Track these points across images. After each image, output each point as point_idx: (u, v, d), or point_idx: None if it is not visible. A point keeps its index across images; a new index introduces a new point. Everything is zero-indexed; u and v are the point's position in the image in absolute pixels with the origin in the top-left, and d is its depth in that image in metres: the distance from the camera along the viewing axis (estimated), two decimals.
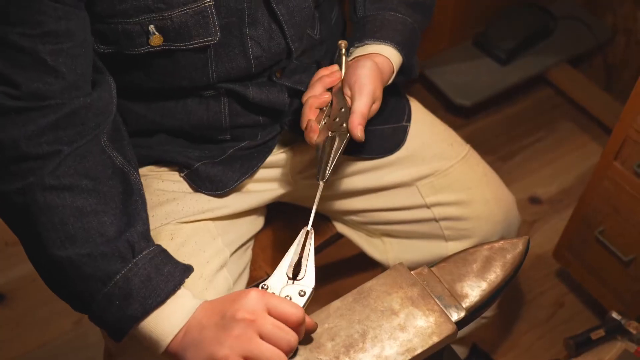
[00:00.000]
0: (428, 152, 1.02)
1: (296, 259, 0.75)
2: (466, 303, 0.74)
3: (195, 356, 0.68)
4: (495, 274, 0.77)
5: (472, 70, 1.88)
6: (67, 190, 0.72)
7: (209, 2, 0.79)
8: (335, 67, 0.91)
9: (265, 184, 1.00)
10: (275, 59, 0.89)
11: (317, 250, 0.81)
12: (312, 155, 1.00)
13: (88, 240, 0.71)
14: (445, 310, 0.73)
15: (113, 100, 0.78)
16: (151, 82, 0.87)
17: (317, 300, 0.74)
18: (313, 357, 0.70)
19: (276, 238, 1.10)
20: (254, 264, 1.04)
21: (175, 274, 0.73)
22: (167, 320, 0.71)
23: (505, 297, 1.47)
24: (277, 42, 0.87)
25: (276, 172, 1.00)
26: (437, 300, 0.74)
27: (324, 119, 0.86)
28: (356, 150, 0.97)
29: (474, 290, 0.75)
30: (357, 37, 0.93)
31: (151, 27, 0.79)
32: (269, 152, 0.97)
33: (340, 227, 1.12)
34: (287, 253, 0.76)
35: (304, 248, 0.76)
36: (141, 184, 0.79)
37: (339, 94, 0.87)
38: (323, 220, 1.12)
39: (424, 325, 0.72)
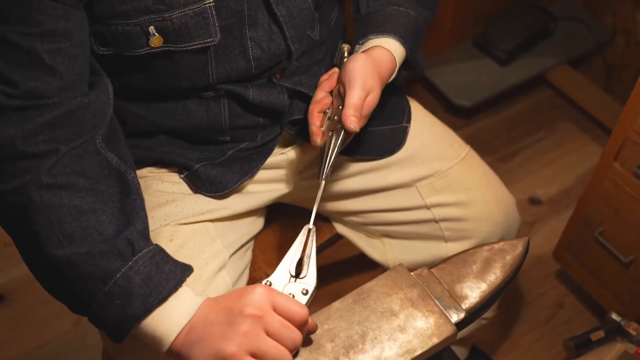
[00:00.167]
0: (428, 152, 1.02)
1: (298, 256, 0.76)
2: (466, 304, 0.74)
3: (201, 353, 0.68)
4: (495, 275, 0.77)
5: (472, 70, 1.88)
6: (64, 189, 0.71)
7: (209, 3, 0.79)
8: (334, 69, 0.91)
9: (265, 185, 0.99)
10: (275, 60, 0.89)
11: (317, 251, 0.81)
12: (311, 156, 1.00)
13: (86, 239, 0.71)
14: (445, 312, 0.73)
15: (110, 102, 0.78)
16: (151, 83, 0.87)
17: (317, 301, 0.74)
18: (313, 358, 0.70)
19: (276, 239, 1.10)
20: (253, 264, 1.04)
21: (176, 272, 0.72)
22: (170, 318, 0.70)
23: (505, 298, 1.46)
24: (277, 43, 0.87)
25: (276, 173, 1.00)
26: (436, 301, 0.74)
27: (326, 121, 0.86)
28: (356, 151, 0.97)
29: (473, 292, 0.75)
30: (361, 34, 0.93)
31: (151, 29, 0.79)
32: (268, 153, 0.97)
33: (340, 228, 1.12)
34: (289, 250, 0.76)
35: (305, 246, 0.76)
36: (139, 184, 0.78)
37: (338, 94, 0.87)
38: (323, 221, 1.12)
39: (423, 327, 0.72)
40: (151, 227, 0.89)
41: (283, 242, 1.09)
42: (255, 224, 1.02)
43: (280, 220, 1.11)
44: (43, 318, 1.49)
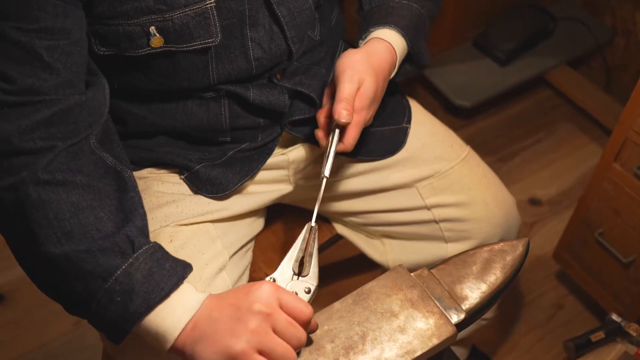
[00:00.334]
0: (428, 153, 1.02)
1: (301, 254, 0.76)
2: (466, 305, 0.74)
3: (207, 350, 0.67)
4: (495, 276, 0.77)
5: (472, 71, 1.88)
6: (61, 185, 0.70)
7: (210, 3, 0.79)
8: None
9: (265, 186, 0.99)
10: (276, 60, 0.89)
11: (318, 251, 0.81)
12: (312, 157, 1.00)
13: (85, 236, 0.69)
14: (445, 312, 0.73)
15: (106, 102, 0.78)
16: (151, 84, 0.87)
17: (317, 301, 0.74)
18: (313, 358, 0.70)
19: (276, 240, 1.10)
20: (253, 265, 1.04)
21: (177, 269, 0.71)
22: (173, 314, 0.69)
23: (505, 298, 1.47)
24: (278, 43, 0.87)
25: (276, 173, 1.00)
26: (436, 302, 0.74)
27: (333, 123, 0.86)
28: (357, 152, 0.97)
29: (473, 292, 0.75)
30: (363, 29, 0.93)
31: (152, 29, 0.79)
32: (269, 153, 0.97)
33: (340, 229, 1.12)
34: (292, 248, 0.76)
35: (307, 244, 0.76)
36: (135, 182, 0.77)
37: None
38: (323, 222, 1.12)
39: (423, 327, 0.72)
40: (151, 227, 0.89)
41: (283, 243, 1.09)
42: (256, 225, 1.02)
43: (280, 221, 1.11)
44: (43, 318, 1.49)
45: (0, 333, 1.48)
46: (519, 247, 0.79)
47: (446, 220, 1.02)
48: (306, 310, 0.68)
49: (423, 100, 1.89)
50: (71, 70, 0.73)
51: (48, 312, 1.48)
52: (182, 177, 0.93)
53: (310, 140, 0.98)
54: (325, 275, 1.49)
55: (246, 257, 0.99)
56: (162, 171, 0.95)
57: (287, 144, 1.00)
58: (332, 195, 1.04)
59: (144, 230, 0.74)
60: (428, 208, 1.02)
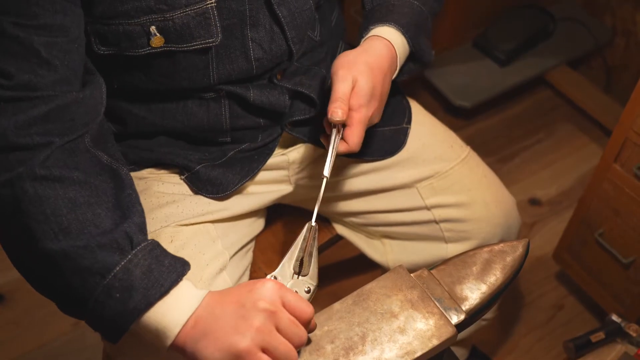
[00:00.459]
0: (428, 153, 1.02)
1: (301, 254, 0.76)
2: (466, 306, 0.74)
3: (210, 347, 0.66)
4: (495, 277, 0.77)
5: (471, 71, 1.88)
6: (58, 181, 0.69)
7: (211, 3, 0.79)
8: None
9: (266, 186, 0.99)
10: (276, 60, 0.89)
11: (318, 251, 0.81)
12: (312, 157, 1.00)
13: (83, 232, 0.69)
14: (445, 313, 0.73)
15: (103, 101, 0.77)
16: (151, 84, 0.87)
17: (317, 301, 0.74)
18: (313, 359, 0.70)
19: (276, 240, 1.10)
20: (253, 265, 1.04)
21: (176, 266, 0.71)
22: (173, 311, 0.68)
23: (505, 299, 1.47)
24: (279, 43, 0.87)
25: (276, 174, 1.00)
26: (436, 302, 0.74)
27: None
28: (357, 152, 0.97)
29: (473, 293, 0.75)
30: (363, 28, 0.92)
31: (152, 28, 0.79)
32: (269, 154, 0.97)
33: (340, 229, 1.12)
34: (292, 247, 0.76)
35: (307, 244, 0.76)
36: (132, 179, 0.77)
37: None
38: (323, 222, 1.12)
39: (423, 328, 0.72)
40: (152, 228, 0.89)
41: (283, 243, 1.09)
42: (256, 225, 1.02)
43: (280, 221, 1.11)
44: (42, 318, 1.49)
45: (0, 333, 1.48)
46: (519, 247, 0.79)
47: (446, 220, 1.02)
48: (308, 309, 0.68)
49: (423, 101, 1.89)
50: (69, 68, 0.72)
51: (48, 312, 1.48)
52: (183, 177, 0.93)
53: (311, 140, 0.98)
54: (325, 275, 1.49)
55: (246, 257, 0.99)
56: (162, 171, 0.95)
57: (288, 145, 1.00)
58: (333, 195, 1.04)
59: (142, 228, 0.73)
60: (428, 208, 1.02)
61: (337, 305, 0.74)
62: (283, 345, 0.66)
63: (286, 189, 1.02)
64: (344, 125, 0.84)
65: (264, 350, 0.66)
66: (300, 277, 0.75)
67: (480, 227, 1.02)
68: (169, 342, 0.68)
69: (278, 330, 0.67)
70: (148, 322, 0.68)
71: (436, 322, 0.72)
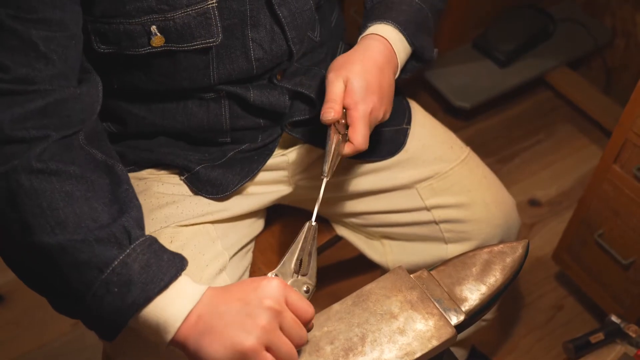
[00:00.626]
0: (428, 154, 1.02)
1: (301, 254, 0.76)
2: (465, 307, 0.74)
3: (214, 343, 0.65)
4: (494, 278, 0.77)
5: (471, 72, 1.88)
6: (55, 175, 0.68)
7: (212, 3, 0.79)
8: None
9: (266, 187, 1.00)
10: (277, 60, 0.89)
11: (317, 252, 0.81)
12: (312, 158, 1.00)
13: (80, 226, 0.67)
14: (445, 314, 0.73)
15: (99, 99, 0.77)
16: (152, 83, 0.87)
17: (316, 302, 0.74)
18: None
19: (275, 241, 1.10)
20: (253, 266, 1.04)
21: (175, 261, 0.70)
22: (173, 305, 0.67)
23: (505, 299, 1.47)
24: (279, 44, 0.87)
25: (276, 174, 1.00)
26: (436, 303, 0.74)
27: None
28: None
29: (473, 294, 0.75)
30: (362, 26, 0.92)
31: (153, 28, 0.78)
32: (269, 154, 0.97)
33: (340, 230, 1.12)
34: (293, 245, 0.76)
35: (307, 243, 0.76)
36: (127, 175, 0.76)
37: None
38: (322, 223, 1.12)
39: (423, 329, 0.72)
40: (151, 228, 0.88)
41: (283, 244, 1.09)
42: (256, 226, 1.02)
43: (280, 222, 1.12)
44: (42, 319, 1.49)
45: (0, 333, 1.48)
46: (519, 248, 0.79)
47: (446, 221, 1.02)
48: (310, 310, 0.68)
49: (423, 102, 1.89)
50: (66, 63, 0.72)
51: (47, 312, 1.46)
52: (182, 178, 0.93)
53: (310, 141, 0.98)
54: (325, 276, 1.49)
55: (246, 258, 0.99)
56: (162, 172, 0.95)
57: (287, 145, 1.00)
58: (332, 195, 1.04)
59: (140, 222, 0.72)
60: (428, 209, 1.02)
61: (336, 306, 0.74)
62: (286, 345, 0.66)
63: (286, 189, 1.02)
64: (347, 126, 0.84)
65: (267, 349, 0.66)
66: (299, 276, 0.75)
67: (480, 228, 1.02)
68: (170, 337, 0.67)
69: (281, 329, 0.67)
70: (147, 317, 0.67)
71: (436, 323, 0.72)
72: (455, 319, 0.73)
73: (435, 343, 0.71)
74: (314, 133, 0.96)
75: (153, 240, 0.71)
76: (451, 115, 1.92)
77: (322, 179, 0.82)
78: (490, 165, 1.12)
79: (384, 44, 0.88)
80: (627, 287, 1.30)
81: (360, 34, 0.92)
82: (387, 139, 1.01)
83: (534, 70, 1.90)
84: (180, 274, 0.69)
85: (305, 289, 0.74)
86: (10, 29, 0.68)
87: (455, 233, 1.03)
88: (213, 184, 0.93)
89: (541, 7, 1.95)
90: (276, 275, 0.74)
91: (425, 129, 1.05)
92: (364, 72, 0.84)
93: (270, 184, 1.00)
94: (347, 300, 0.74)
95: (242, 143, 0.95)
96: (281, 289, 0.68)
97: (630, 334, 1.11)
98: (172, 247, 0.87)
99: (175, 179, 0.94)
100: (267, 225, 1.08)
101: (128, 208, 0.71)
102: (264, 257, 1.07)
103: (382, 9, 0.92)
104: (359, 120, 0.83)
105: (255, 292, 0.67)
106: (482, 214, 1.02)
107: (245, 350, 0.65)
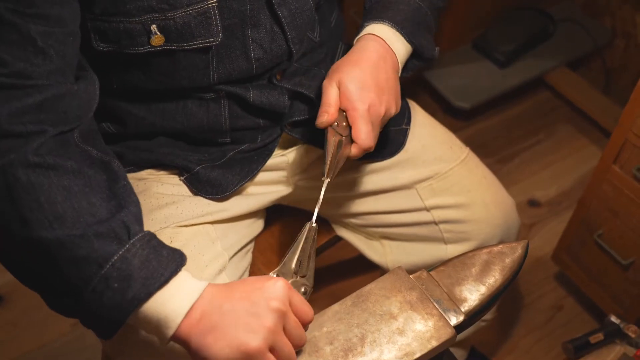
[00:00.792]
0: (427, 155, 1.02)
1: (301, 254, 0.76)
2: (465, 307, 0.74)
3: (219, 342, 0.65)
4: (494, 278, 0.77)
5: (471, 73, 1.88)
6: (52, 169, 0.68)
7: (212, 3, 0.79)
8: None
9: (265, 187, 1.00)
10: (276, 60, 0.90)
11: (316, 253, 0.81)
12: (311, 158, 1.00)
13: (78, 220, 0.66)
14: (444, 315, 0.73)
15: (96, 97, 0.76)
16: (151, 83, 0.87)
17: (316, 302, 0.74)
18: None
19: (275, 241, 1.10)
20: (252, 266, 1.04)
21: (174, 256, 0.69)
22: (174, 299, 0.67)
23: (504, 299, 1.46)
24: (279, 44, 0.87)
25: (276, 174, 1.00)
26: (435, 304, 0.74)
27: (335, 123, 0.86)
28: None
29: (473, 294, 0.75)
30: (360, 25, 0.93)
31: (153, 27, 0.78)
32: (269, 154, 0.97)
33: (339, 230, 1.12)
34: (293, 246, 0.76)
35: (307, 244, 0.76)
36: (124, 171, 0.75)
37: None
38: (322, 223, 1.12)
39: (422, 330, 0.72)
40: (151, 229, 0.87)
41: (282, 244, 1.09)
42: (255, 226, 1.02)
43: (279, 222, 1.12)
44: (41, 319, 1.49)
45: None
46: (518, 249, 0.80)
47: (445, 221, 1.02)
48: (310, 312, 0.68)
49: (422, 102, 1.89)
50: (64, 59, 0.71)
51: (47, 313, 1.45)
52: (182, 178, 0.93)
53: (310, 141, 0.98)
54: (324, 276, 1.49)
55: (246, 258, 0.99)
56: (162, 172, 0.95)
57: (287, 145, 1.00)
58: (332, 196, 1.04)
59: (139, 218, 0.72)
60: (427, 209, 1.02)
61: (336, 307, 0.74)
62: (287, 347, 0.66)
63: (285, 189, 1.02)
64: (350, 128, 0.84)
65: (270, 350, 0.66)
66: (298, 277, 0.75)
67: (479, 228, 1.02)
68: (171, 332, 0.67)
69: (284, 331, 0.67)
70: (147, 312, 0.67)
71: (435, 323, 0.72)
72: (454, 320, 0.73)
73: (434, 343, 0.71)
74: (314, 133, 0.96)
75: (152, 236, 0.70)
76: (451, 115, 1.92)
77: (323, 181, 0.83)
78: (490, 166, 1.12)
79: (379, 43, 0.88)
80: (626, 287, 1.30)
81: (357, 34, 0.92)
82: (386, 139, 1.01)
83: (534, 71, 1.90)
84: (180, 269, 0.69)
85: (303, 290, 0.74)
86: (9, 22, 0.67)
87: (455, 233, 1.03)
88: (213, 184, 0.93)
89: (541, 8, 1.95)
90: (277, 275, 0.74)
91: (425, 129, 1.05)
92: (356, 72, 0.84)
93: (270, 184, 1.00)
94: (346, 301, 0.74)
95: (242, 143, 0.95)
96: (286, 291, 0.67)
97: (630, 334, 1.11)
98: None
99: (174, 180, 0.94)
100: (267, 225, 1.08)
101: (127, 203, 0.71)
102: (264, 257, 1.07)
103: (380, 8, 0.92)
104: (358, 118, 0.83)
105: (261, 292, 0.67)
106: (481, 215, 1.02)
107: (251, 350, 0.64)
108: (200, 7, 0.79)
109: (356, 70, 0.85)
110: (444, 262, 0.79)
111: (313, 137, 0.97)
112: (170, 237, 0.88)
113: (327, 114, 0.83)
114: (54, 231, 0.66)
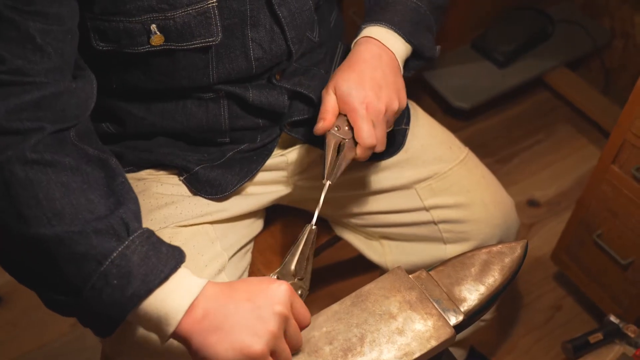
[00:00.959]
0: (427, 155, 1.02)
1: (300, 257, 0.76)
2: (464, 307, 0.74)
3: (222, 343, 0.65)
4: (493, 278, 0.77)
5: (470, 73, 1.89)
6: (50, 166, 0.67)
7: (212, 3, 0.79)
8: None
9: (265, 187, 1.00)
10: (276, 60, 0.90)
11: (316, 253, 0.81)
12: (311, 158, 1.00)
13: (77, 217, 0.66)
14: (444, 314, 0.73)
15: (93, 96, 0.76)
16: (151, 82, 0.87)
17: (315, 303, 0.74)
18: None
19: (274, 241, 1.10)
20: (252, 267, 1.04)
21: (174, 253, 0.69)
22: (174, 296, 0.66)
23: (503, 299, 1.46)
24: (278, 43, 0.88)
25: (275, 174, 1.00)
26: (435, 304, 0.74)
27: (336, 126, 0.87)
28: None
29: (472, 294, 0.76)
30: (358, 28, 0.93)
31: (153, 27, 0.78)
32: (268, 154, 0.97)
33: (339, 230, 1.12)
34: (294, 248, 0.76)
35: (306, 247, 0.76)
36: (122, 168, 0.75)
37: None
38: (321, 223, 1.12)
39: (422, 329, 0.72)
40: (150, 229, 0.88)
41: (282, 244, 1.09)
42: (255, 226, 1.02)
43: (279, 222, 1.12)
44: (41, 319, 1.49)
45: None
46: (518, 249, 0.80)
47: (445, 221, 1.02)
48: (308, 316, 0.69)
49: (422, 102, 1.89)
50: (62, 57, 0.71)
51: (46, 313, 1.45)
52: (181, 178, 0.93)
53: (309, 141, 0.98)
54: (324, 276, 1.49)
55: (245, 258, 0.99)
56: (161, 172, 0.95)
57: (286, 145, 1.00)
58: (331, 196, 1.03)
59: (137, 215, 0.71)
60: (427, 209, 1.02)
61: (335, 307, 0.74)
62: (286, 352, 0.67)
63: (285, 189, 1.02)
64: (352, 128, 0.85)
65: (271, 354, 0.66)
66: (296, 279, 0.75)
67: (479, 228, 1.02)
68: (171, 329, 0.67)
69: (285, 335, 0.67)
70: (147, 309, 0.67)
71: (434, 323, 0.72)
72: (454, 319, 0.73)
73: (434, 343, 0.71)
74: (313, 133, 0.96)
75: (151, 233, 0.70)
76: (450, 115, 1.92)
77: (324, 184, 0.83)
78: (489, 166, 1.12)
79: (373, 43, 0.89)
80: (625, 287, 1.30)
81: (354, 38, 0.92)
82: (386, 139, 1.01)
83: (533, 71, 1.90)
84: (179, 266, 0.69)
85: (299, 292, 0.74)
86: (8, 19, 0.67)
87: (454, 233, 1.03)
88: (212, 184, 0.93)
89: (540, 8, 1.95)
90: (277, 277, 0.74)
91: (424, 130, 1.05)
92: (350, 74, 0.85)
93: (269, 184, 1.00)
94: (346, 301, 0.74)
95: (241, 143, 0.95)
96: (290, 295, 0.68)
97: (629, 334, 1.11)
98: None
99: (174, 180, 0.94)
100: (266, 225, 1.08)
101: (125, 200, 0.71)
102: (263, 257, 1.07)
103: (378, 10, 0.93)
104: (358, 119, 0.84)
105: (266, 295, 0.67)
106: (480, 214, 1.02)
107: (253, 354, 0.65)
108: (200, 7, 0.79)
109: (350, 73, 0.86)
110: (444, 262, 0.79)
111: (312, 136, 0.97)
112: (170, 237, 0.88)
113: (323, 120, 0.84)
114: (53, 228, 0.65)
